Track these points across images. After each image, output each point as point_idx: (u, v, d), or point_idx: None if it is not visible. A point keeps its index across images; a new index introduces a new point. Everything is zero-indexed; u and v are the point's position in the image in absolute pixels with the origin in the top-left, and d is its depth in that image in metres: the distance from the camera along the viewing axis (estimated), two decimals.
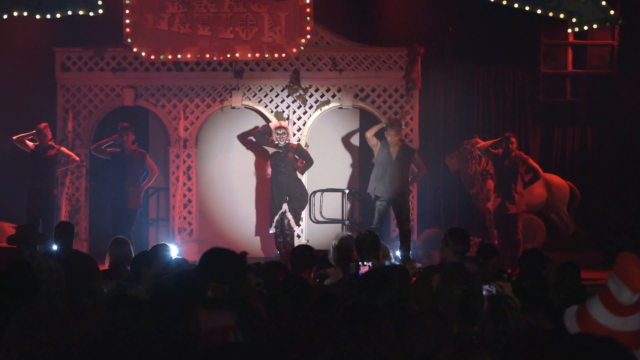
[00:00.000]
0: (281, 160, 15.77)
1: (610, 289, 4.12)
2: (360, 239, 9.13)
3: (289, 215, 15.79)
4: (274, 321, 6.15)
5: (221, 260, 4.45)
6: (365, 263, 8.45)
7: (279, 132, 15.82)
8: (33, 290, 5.56)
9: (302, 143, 16.91)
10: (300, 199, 15.96)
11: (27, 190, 15.59)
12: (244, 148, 17.67)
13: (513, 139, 16.01)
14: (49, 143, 15.72)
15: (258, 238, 17.35)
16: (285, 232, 15.78)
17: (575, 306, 4.30)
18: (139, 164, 15.90)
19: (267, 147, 16.02)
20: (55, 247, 10.68)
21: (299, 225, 16.20)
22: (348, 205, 17.40)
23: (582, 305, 4.27)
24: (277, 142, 15.79)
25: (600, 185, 17.88)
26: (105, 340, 4.75)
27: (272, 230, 15.82)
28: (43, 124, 15.71)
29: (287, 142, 15.85)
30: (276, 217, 15.73)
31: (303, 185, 16.22)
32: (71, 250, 10.66)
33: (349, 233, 9.89)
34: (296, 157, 15.96)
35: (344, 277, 8.94)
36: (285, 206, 15.73)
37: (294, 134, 17.04)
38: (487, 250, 9.73)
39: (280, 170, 15.76)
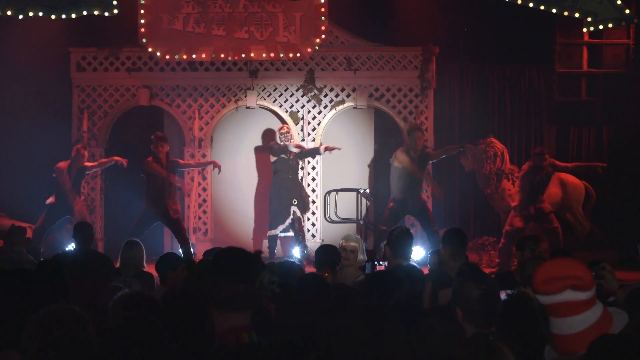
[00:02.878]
0: (288, 167, 15.87)
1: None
2: (395, 236, 9.03)
3: (301, 217, 15.92)
4: (289, 321, 6.13)
5: (235, 261, 4.44)
6: (381, 263, 8.40)
7: (282, 132, 15.91)
8: (62, 291, 5.57)
9: (317, 142, 16.95)
10: (304, 201, 16.13)
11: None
12: (259, 148, 17.67)
13: (547, 156, 15.98)
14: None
15: None
16: (298, 235, 15.90)
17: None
18: (173, 175, 15.58)
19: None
20: (72, 247, 10.75)
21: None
22: (363, 205, 17.36)
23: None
24: (280, 143, 15.88)
25: (615, 185, 17.80)
26: (121, 339, 4.76)
27: (280, 233, 15.92)
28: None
29: (291, 146, 15.93)
30: (288, 221, 15.82)
31: (304, 188, 16.45)
32: (89, 251, 10.69)
33: (357, 236, 9.83)
34: (300, 162, 16.11)
35: (354, 279, 8.90)
36: (294, 209, 15.84)
37: (309, 134, 17.05)
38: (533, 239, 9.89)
39: (287, 177, 15.87)
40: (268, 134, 17.39)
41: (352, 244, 9.34)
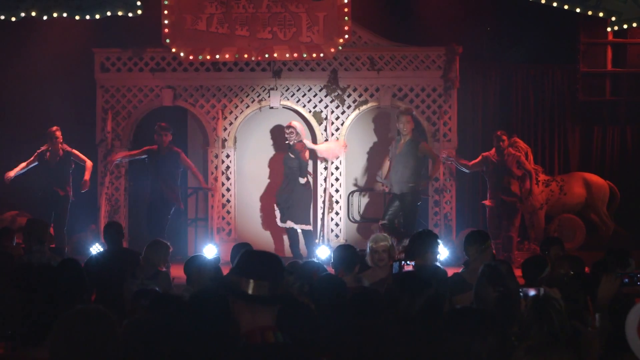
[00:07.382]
0: (297, 164, 15.95)
1: None
2: (418, 237, 9.00)
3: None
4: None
5: (259, 259, 4.54)
6: (408, 262, 8.36)
7: (287, 131, 15.99)
8: (83, 289, 5.62)
9: (340, 142, 16.95)
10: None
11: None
12: (282, 148, 17.69)
13: (504, 137, 16.04)
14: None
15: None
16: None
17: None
18: (173, 163, 15.90)
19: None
20: (97, 248, 10.78)
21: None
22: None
23: None
24: (287, 142, 16.01)
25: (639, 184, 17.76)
26: (146, 339, 4.79)
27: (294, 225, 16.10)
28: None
29: (295, 141, 15.96)
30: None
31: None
32: (122, 249, 10.72)
33: (385, 234, 9.74)
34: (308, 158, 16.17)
35: (386, 277, 8.88)
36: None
37: (332, 134, 17.05)
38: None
39: (296, 180, 15.96)
40: None
41: (383, 243, 9.21)
